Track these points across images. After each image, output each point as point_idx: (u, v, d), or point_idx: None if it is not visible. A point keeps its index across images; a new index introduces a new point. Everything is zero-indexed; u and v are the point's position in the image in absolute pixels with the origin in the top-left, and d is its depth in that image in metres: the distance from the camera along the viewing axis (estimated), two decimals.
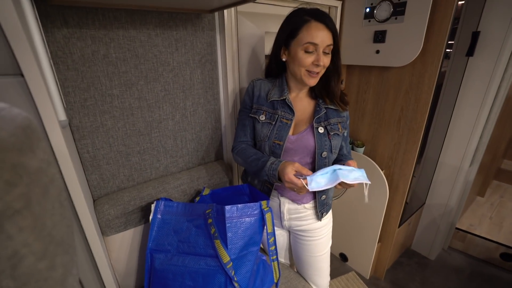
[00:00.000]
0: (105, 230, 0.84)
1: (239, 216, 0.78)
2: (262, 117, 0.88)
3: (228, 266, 0.75)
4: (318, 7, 0.82)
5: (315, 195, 0.92)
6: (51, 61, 0.68)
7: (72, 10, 0.70)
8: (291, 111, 0.87)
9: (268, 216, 0.81)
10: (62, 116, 0.59)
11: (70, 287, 0.28)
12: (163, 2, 0.76)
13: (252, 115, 0.90)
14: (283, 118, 0.86)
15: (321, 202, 0.93)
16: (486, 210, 2.33)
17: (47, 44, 0.68)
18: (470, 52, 1.42)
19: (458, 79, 1.51)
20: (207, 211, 0.81)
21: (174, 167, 1.04)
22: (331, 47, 0.80)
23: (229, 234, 0.77)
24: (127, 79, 0.84)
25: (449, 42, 1.17)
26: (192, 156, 1.08)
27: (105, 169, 0.88)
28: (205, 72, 1.00)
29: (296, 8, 0.82)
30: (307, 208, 0.94)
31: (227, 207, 0.77)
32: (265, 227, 0.82)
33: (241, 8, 1.03)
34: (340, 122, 0.88)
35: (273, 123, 0.87)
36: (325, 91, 0.89)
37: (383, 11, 1.20)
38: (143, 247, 0.95)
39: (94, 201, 0.88)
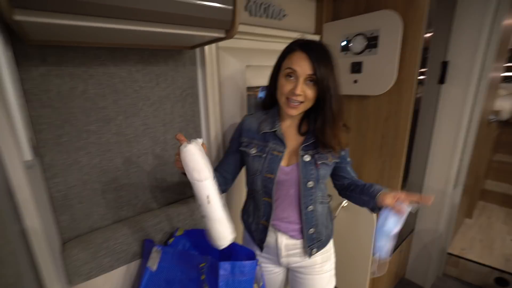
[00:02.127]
0: (73, 277, 0.77)
1: (233, 274, 0.73)
2: (253, 151, 0.86)
3: None
4: None
5: (303, 231, 0.88)
6: (24, 98, 0.66)
7: (53, 48, 0.70)
8: (282, 143, 0.85)
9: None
10: (27, 155, 0.56)
11: None
12: (145, 40, 0.78)
13: (242, 149, 0.88)
14: (274, 151, 0.84)
15: (309, 237, 0.89)
16: (475, 233, 2.33)
17: (23, 82, 0.67)
18: (442, 80, 1.50)
19: (434, 104, 1.59)
20: (201, 265, 0.76)
21: (153, 203, 0.99)
22: (314, 77, 0.74)
23: None
24: (105, 114, 0.82)
25: (422, 70, 1.24)
26: (172, 191, 1.03)
27: (77, 208, 0.83)
28: (186, 106, 1.00)
29: (294, 39, 0.81)
30: (303, 245, 0.90)
31: (222, 263, 0.71)
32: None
33: (222, 44, 1.06)
34: (330, 152, 0.84)
35: (264, 156, 0.85)
36: (320, 134, 0.81)
37: (358, 44, 1.27)
38: None
39: (63, 244, 0.81)
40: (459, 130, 1.54)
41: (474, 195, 2.56)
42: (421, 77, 1.38)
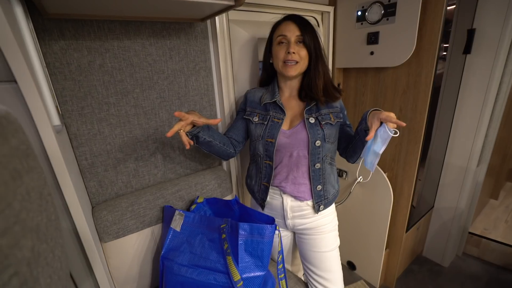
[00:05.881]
0: (103, 236, 0.85)
1: (252, 235, 0.77)
2: (256, 119, 0.95)
3: (238, 285, 0.73)
4: (310, 13, 0.89)
5: (311, 188, 0.94)
6: (47, 70, 0.71)
7: (68, 22, 0.74)
8: (282, 111, 0.93)
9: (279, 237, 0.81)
10: (56, 121, 0.61)
11: (46, 276, 0.29)
12: (156, 12, 0.80)
13: (246, 117, 0.97)
14: (274, 118, 0.92)
15: (317, 194, 0.94)
16: (500, 213, 2.24)
17: (45, 56, 0.72)
18: (467, 50, 1.41)
19: (457, 77, 1.50)
20: (222, 226, 0.81)
21: (172, 173, 1.05)
22: (301, 38, 0.87)
23: (240, 252, 0.76)
24: (123, 87, 0.87)
25: (445, 40, 1.17)
26: (189, 163, 1.08)
27: (103, 176, 0.90)
28: (200, 79, 1.02)
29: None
30: (309, 205, 0.96)
31: (241, 224, 0.76)
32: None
33: (232, 16, 1.06)
34: (332, 112, 0.92)
35: (265, 123, 0.93)
36: (307, 88, 0.93)
37: (374, 13, 1.22)
38: (142, 254, 0.95)
39: (92, 207, 0.89)
40: (486, 104, 1.45)
41: (501, 175, 2.44)
42: (445, 45, 1.30)
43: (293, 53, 0.86)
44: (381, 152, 0.78)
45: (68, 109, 0.79)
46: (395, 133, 0.73)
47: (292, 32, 0.87)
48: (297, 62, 0.88)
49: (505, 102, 1.52)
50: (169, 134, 0.74)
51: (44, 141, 0.58)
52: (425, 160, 1.56)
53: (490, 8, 1.32)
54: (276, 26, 0.92)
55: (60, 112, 0.75)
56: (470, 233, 1.88)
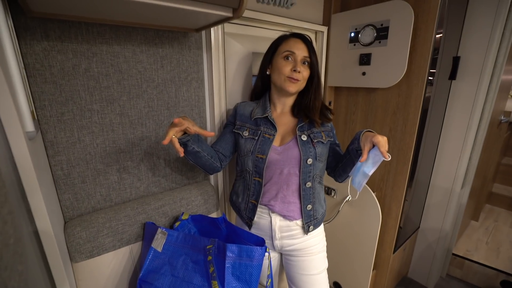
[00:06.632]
0: (74, 255, 0.77)
1: (240, 257, 0.72)
2: (246, 133, 0.92)
3: None
4: (305, 32, 0.90)
5: (301, 207, 0.91)
6: (24, 71, 0.66)
7: (54, 23, 0.69)
8: (273, 127, 0.91)
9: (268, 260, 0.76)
10: (30, 127, 0.55)
11: None
12: (149, 19, 0.77)
13: (236, 131, 0.94)
14: (265, 134, 0.90)
15: (307, 213, 0.91)
16: (481, 235, 2.28)
17: (25, 56, 0.67)
18: (453, 76, 1.46)
19: (443, 102, 1.55)
20: (208, 246, 0.75)
21: (156, 187, 0.99)
22: (308, 59, 0.89)
23: (227, 276, 0.70)
24: (108, 94, 0.82)
25: (432, 66, 1.21)
26: (175, 176, 1.03)
27: (79, 188, 0.82)
28: (191, 90, 0.99)
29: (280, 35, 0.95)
30: (298, 225, 0.92)
31: (229, 245, 0.71)
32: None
33: (228, 29, 1.05)
34: (323, 131, 0.92)
35: (256, 138, 0.90)
36: (304, 107, 0.93)
37: (367, 35, 1.25)
38: (118, 276, 0.86)
39: (65, 223, 0.81)
40: (469, 128, 1.50)
41: (481, 197, 2.51)
42: (432, 71, 1.35)
43: (299, 72, 0.86)
44: (370, 174, 0.76)
45: (46, 115, 0.73)
46: (388, 157, 0.72)
47: (300, 51, 0.87)
48: (298, 81, 0.88)
49: (487, 128, 1.58)
50: (166, 141, 0.69)
51: (13, 148, 0.51)
52: (412, 181, 1.57)
53: (474, 37, 1.39)
54: (283, 39, 0.91)
55: (36, 118, 0.69)
56: (453, 254, 1.90)
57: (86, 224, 0.80)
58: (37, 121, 0.68)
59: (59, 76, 0.72)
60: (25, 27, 0.65)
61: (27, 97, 0.56)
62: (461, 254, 1.94)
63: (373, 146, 0.75)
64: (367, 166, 0.77)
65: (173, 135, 0.72)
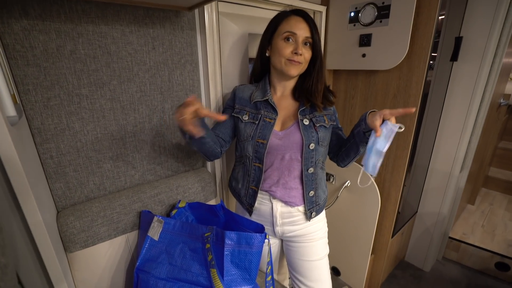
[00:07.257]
0: (68, 245, 0.75)
1: (239, 245, 0.70)
2: (245, 117, 0.88)
3: None
4: None
5: (304, 193, 0.89)
6: (4, 52, 0.61)
7: (33, 0, 0.64)
8: (274, 110, 0.87)
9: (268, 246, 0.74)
10: (11, 111, 0.52)
11: None
12: None
13: (235, 115, 0.90)
14: (266, 118, 0.86)
15: (309, 199, 0.89)
16: (477, 218, 2.31)
17: (3, 36, 0.62)
18: (454, 57, 1.42)
19: (444, 85, 1.52)
20: (206, 234, 0.73)
21: (151, 175, 0.96)
22: (310, 40, 0.83)
23: (226, 263, 0.68)
24: (97, 78, 0.77)
25: (433, 49, 1.17)
26: (171, 163, 1.00)
27: (71, 176, 0.79)
28: (185, 74, 0.94)
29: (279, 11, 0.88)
30: (300, 211, 0.91)
31: (228, 233, 0.69)
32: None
33: (222, 8, 0.99)
34: (326, 115, 0.89)
35: (256, 122, 0.86)
36: (306, 91, 0.88)
37: (368, 15, 1.20)
38: (114, 266, 0.85)
39: (58, 212, 0.78)
40: (470, 110, 1.47)
41: (478, 181, 2.53)
42: (433, 54, 1.31)
43: (301, 54, 0.81)
44: (385, 150, 0.72)
45: (31, 100, 0.69)
46: (400, 127, 0.69)
47: (302, 31, 0.81)
48: (299, 63, 0.83)
49: (487, 110, 1.56)
50: (187, 124, 0.64)
51: None
52: (411, 166, 1.56)
53: (477, 17, 1.34)
54: (283, 18, 0.84)
55: (18, 102, 0.64)
56: (450, 237, 1.92)
57: (80, 213, 0.77)
58: (20, 106, 0.64)
59: (42, 58, 0.68)
60: (0, 3, 0.60)
61: (7, 80, 0.52)
62: (457, 238, 1.97)
63: (383, 121, 0.72)
64: (380, 143, 0.73)
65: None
